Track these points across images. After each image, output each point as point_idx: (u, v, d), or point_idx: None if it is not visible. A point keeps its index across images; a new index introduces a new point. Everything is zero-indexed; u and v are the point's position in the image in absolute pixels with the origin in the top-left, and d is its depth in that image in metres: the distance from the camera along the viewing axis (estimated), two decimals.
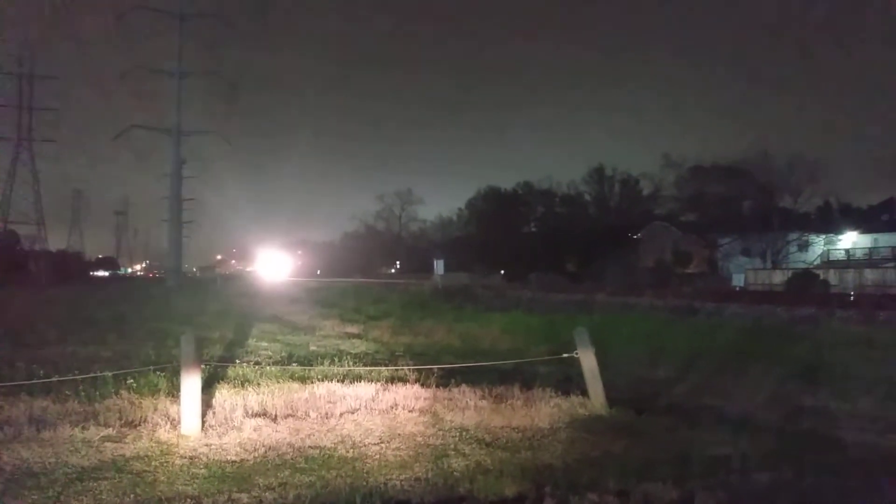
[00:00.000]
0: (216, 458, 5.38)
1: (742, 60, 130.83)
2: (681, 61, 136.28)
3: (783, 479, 5.05)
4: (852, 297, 23.87)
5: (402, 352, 11.85)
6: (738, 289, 39.54)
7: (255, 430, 6.18)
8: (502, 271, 64.30)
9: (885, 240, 50.66)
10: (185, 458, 5.38)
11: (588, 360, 7.38)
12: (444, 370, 8.56)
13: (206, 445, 5.70)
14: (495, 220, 76.31)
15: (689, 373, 9.60)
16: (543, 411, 7.01)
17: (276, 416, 6.65)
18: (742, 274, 43.85)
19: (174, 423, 6.14)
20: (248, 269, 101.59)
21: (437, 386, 8.02)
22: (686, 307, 19.85)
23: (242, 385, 7.93)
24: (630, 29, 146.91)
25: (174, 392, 6.87)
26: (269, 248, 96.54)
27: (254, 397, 7.17)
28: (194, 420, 6.08)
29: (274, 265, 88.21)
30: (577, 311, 20.31)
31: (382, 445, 5.83)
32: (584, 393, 7.46)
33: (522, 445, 5.93)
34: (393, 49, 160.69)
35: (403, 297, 30.24)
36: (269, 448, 5.68)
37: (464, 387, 7.86)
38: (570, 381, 8.11)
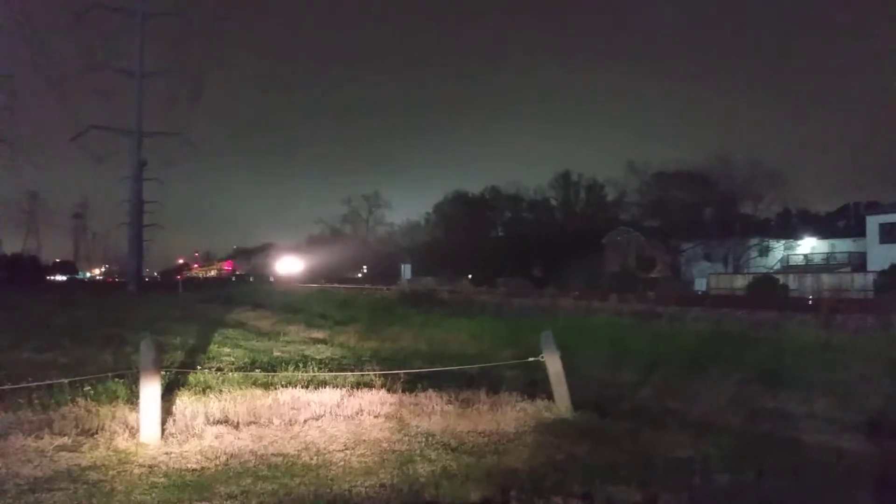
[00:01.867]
0: (176, 467, 5.26)
1: (706, 69, 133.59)
2: (645, 70, 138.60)
3: (744, 480, 5.13)
4: (810, 302, 24.47)
5: (369, 357, 11.76)
6: (700, 293, 40.23)
7: (216, 437, 6.06)
8: (469, 276, 64.45)
9: (842, 245, 52.17)
10: (144, 466, 5.24)
11: (553, 364, 7.41)
12: (411, 375, 8.53)
13: (166, 454, 5.57)
14: (463, 225, 76.53)
15: (652, 376, 9.72)
16: (509, 415, 7.02)
17: (238, 423, 6.53)
18: (704, 278, 44.65)
19: (133, 432, 5.99)
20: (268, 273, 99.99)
21: (404, 391, 7.98)
22: (649, 311, 20.13)
23: (204, 392, 7.77)
24: (596, 38, 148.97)
25: (133, 399, 6.70)
26: (282, 251, 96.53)
27: (215, 404, 7.03)
28: (153, 428, 5.94)
29: (287, 267, 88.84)
30: (543, 315, 20.44)
31: (347, 452, 5.77)
32: (550, 397, 7.49)
33: (488, 450, 5.92)
34: (362, 52, 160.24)
35: (370, 301, 30.08)
36: (231, 456, 5.57)
37: (430, 392, 7.83)
38: (535, 385, 8.13)
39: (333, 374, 9.15)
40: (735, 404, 7.89)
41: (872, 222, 42.38)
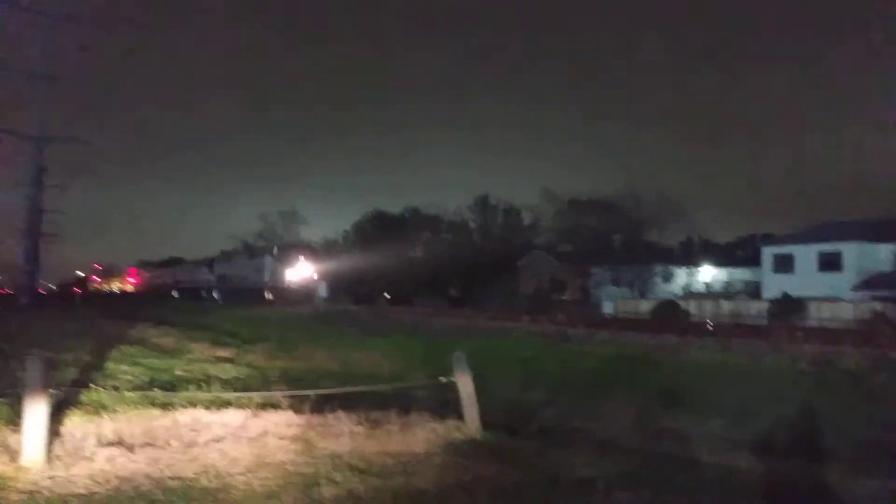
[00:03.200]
0: (61, 492, 4.90)
1: (618, 101, 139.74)
2: (561, 100, 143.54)
3: (642, 499, 5.29)
4: (710, 327, 25.73)
5: (277, 377, 11.45)
6: (608, 316, 41.60)
7: (108, 460, 5.70)
8: (387, 295, 64.11)
9: (740, 274, 55.39)
10: (24, 492, 4.86)
11: (465, 385, 7.44)
12: (321, 396, 8.34)
13: (50, 478, 5.18)
14: (381, 244, 76.17)
15: (560, 396, 9.96)
16: (419, 436, 6.98)
17: (133, 445, 6.17)
18: (612, 302, 46.23)
19: (14, 455, 5.55)
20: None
21: (313, 412, 7.77)
22: (560, 333, 20.63)
23: (97, 412, 7.32)
24: (514, 69, 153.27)
25: (16, 420, 6.21)
26: (299, 256, 68.14)
27: (109, 425, 6.63)
28: (38, 450, 5.52)
29: (301, 273, 65.26)
30: (458, 335, 20.55)
31: (249, 475, 5.55)
32: (461, 417, 7.51)
33: (396, 471, 5.85)
34: (281, 67, 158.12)
35: (282, 319, 29.38)
36: (124, 480, 5.25)
37: (340, 413, 7.68)
38: (447, 406, 8.13)
39: (238, 394, 8.84)
40: (637, 424, 8.17)
41: (767, 253, 45.19)
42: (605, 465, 6.22)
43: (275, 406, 8.09)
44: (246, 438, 6.64)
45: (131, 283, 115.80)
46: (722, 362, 13.46)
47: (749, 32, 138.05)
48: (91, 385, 8.97)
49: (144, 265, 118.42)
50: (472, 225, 79.34)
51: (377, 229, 79.64)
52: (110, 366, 11.87)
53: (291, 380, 11.03)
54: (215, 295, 72.58)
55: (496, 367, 12.30)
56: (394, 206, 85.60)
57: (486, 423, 7.43)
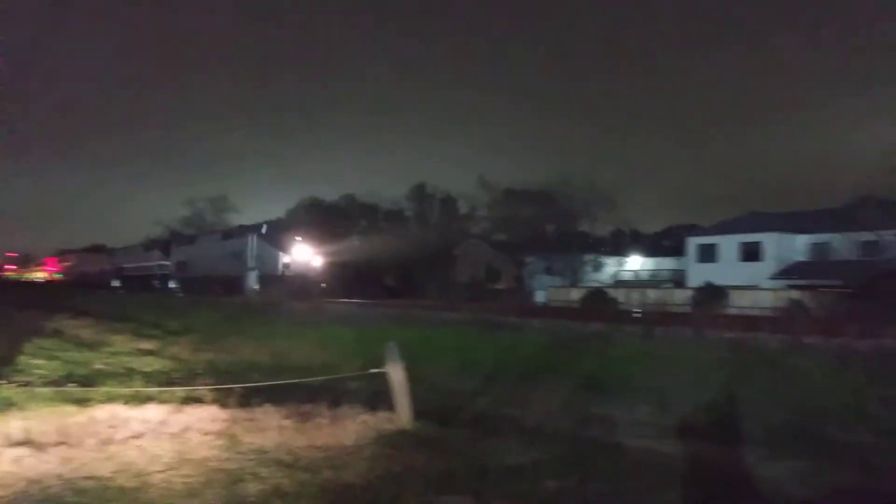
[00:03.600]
0: None
1: (554, 91, 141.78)
2: (497, 88, 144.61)
3: (569, 485, 5.37)
4: (637, 314, 26.50)
5: (203, 370, 11.09)
6: (541, 304, 42.32)
7: (14, 461, 5.38)
8: (322, 284, 63.36)
9: (666, 263, 57.24)
10: None
11: (397, 375, 7.38)
12: (248, 389, 8.12)
13: None
14: (316, 232, 75.01)
15: (493, 384, 10.02)
16: (349, 428, 6.89)
17: (44, 444, 5.85)
18: (545, 291, 47.03)
19: None
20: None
21: (239, 406, 7.58)
22: (494, 321, 20.83)
23: (4, 410, 6.91)
24: (450, 57, 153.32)
25: None
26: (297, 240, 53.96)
27: (17, 424, 6.26)
28: None
29: (299, 258, 52.07)
30: (394, 325, 20.47)
31: (170, 472, 5.35)
32: (393, 408, 7.46)
33: (325, 465, 5.75)
34: (209, 47, 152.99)
35: (211, 309, 28.55)
36: (31, 482, 4.96)
37: (268, 406, 7.51)
38: (379, 397, 8.06)
39: (160, 388, 8.51)
40: (566, 410, 8.31)
41: (692, 243, 46.91)
42: (534, 453, 6.30)
43: (199, 400, 7.84)
44: (167, 434, 6.41)
45: (48, 272, 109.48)
46: (648, 349, 13.86)
47: (683, 26, 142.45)
48: (1, 381, 8.47)
49: (65, 252, 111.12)
50: (408, 214, 79.10)
51: (312, 217, 78.14)
52: (22, 360, 11.25)
53: (218, 373, 10.71)
54: (172, 284, 60.43)
55: (430, 356, 12.29)
56: (330, 194, 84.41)
57: (418, 413, 7.40)
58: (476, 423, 7.50)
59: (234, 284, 49.40)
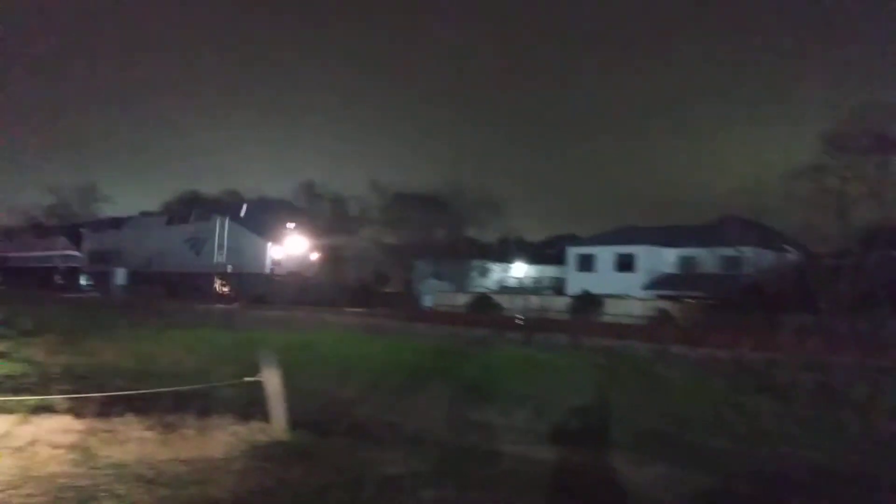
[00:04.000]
0: None
1: (448, 97, 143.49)
2: (390, 91, 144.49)
3: (446, 495, 5.35)
4: (520, 321, 27.23)
5: (59, 375, 10.18)
6: (428, 309, 42.61)
7: None
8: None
9: (549, 271, 59.47)
10: None
11: (272, 382, 7.10)
12: (108, 398, 7.51)
13: None
14: None
15: (375, 392, 9.89)
16: (219, 440, 6.54)
17: None
18: (432, 295, 47.41)
19: None
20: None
21: (97, 416, 6.99)
22: (379, 326, 20.67)
23: None
24: (344, 61, 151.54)
25: None
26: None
27: None
28: None
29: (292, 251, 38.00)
30: (273, 328, 19.82)
31: (10, 492, 4.83)
32: (268, 418, 7.16)
33: (189, 480, 5.41)
34: (70, 30, 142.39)
35: (73, 308, 26.47)
36: None
37: (129, 416, 6.99)
38: (254, 406, 7.72)
39: (6, 397, 7.71)
40: (447, 418, 8.33)
41: (571, 253, 49.11)
42: (413, 462, 6.24)
43: (51, 410, 7.16)
44: (10, 449, 5.80)
45: None
46: (528, 355, 14.19)
47: (575, 40, 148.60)
48: None
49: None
50: None
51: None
52: None
53: (76, 378, 9.87)
54: (84, 282, 46.93)
55: (311, 362, 11.98)
56: (211, 189, 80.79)
57: (294, 422, 7.15)
58: (356, 432, 7.35)
59: (195, 286, 35.36)
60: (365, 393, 9.80)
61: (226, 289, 34.60)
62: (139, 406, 7.35)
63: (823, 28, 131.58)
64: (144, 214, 54.10)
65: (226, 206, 39.92)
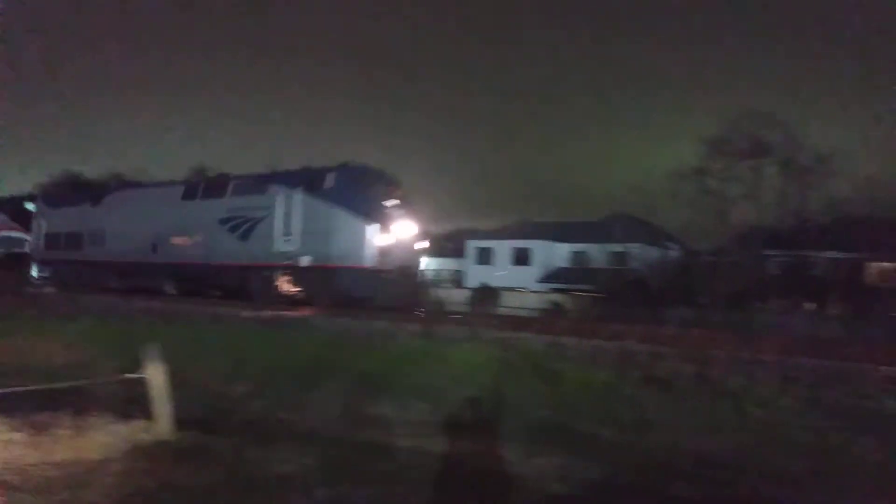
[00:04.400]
0: None
1: (350, 84, 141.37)
2: (286, 72, 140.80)
3: (340, 492, 5.26)
4: (420, 312, 27.27)
5: None
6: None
7: None
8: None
9: (450, 264, 60.20)
10: None
11: (157, 378, 6.72)
12: None
13: None
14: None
15: (269, 387, 9.58)
16: (96, 441, 6.13)
17: None
18: None
19: None
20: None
21: None
22: (276, 319, 20.06)
23: None
24: (235, 41, 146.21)
25: None
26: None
27: None
28: None
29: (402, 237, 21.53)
30: (160, 319, 18.79)
31: None
32: (152, 416, 6.77)
33: (62, 485, 5.03)
34: None
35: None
36: None
37: None
38: (137, 403, 7.29)
39: None
40: (343, 413, 8.20)
41: (471, 246, 49.97)
42: (307, 459, 6.10)
43: None
44: None
45: None
46: (427, 347, 14.22)
47: (472, 41, 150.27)
48: None
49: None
50: None
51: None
52: None
53: None
54: (37, 273, 33.90)
55: (200, 356, 11.44)
56: (92, 170, 75.62)
57: (181, 421, 6.81)
58: (247, 429, 7.10)
59: (236, 283, 23.67)
60: (257, 388, 9.49)
61: (294, 288, 22.60)
62: (6, 405, 6.75)
63: (714, 33, 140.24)
64: (135, 184, 37.81)
65: (291, 174, 24.38)
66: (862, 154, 47.77)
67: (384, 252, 20.62)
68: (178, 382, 6.90)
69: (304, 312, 18.55)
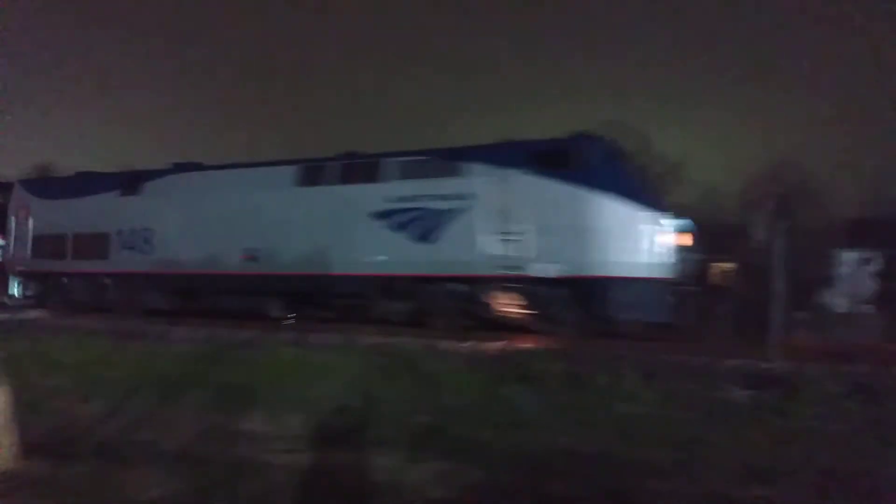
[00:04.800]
0: None
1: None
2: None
3: None
4: (290, 320, 26.47)
5: None
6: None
7: None
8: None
9: None
10: None
11: None
12: None
13: None
14: None
15: (127, 405, 8.92)
16: None
17: None
18: None
19: None
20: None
21: None
22: (133, 330, 18.71)
23: None
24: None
25: None
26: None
27: None
28: None
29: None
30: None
31: None
32: None
33: None
34: None
35: None
36: None
37: None
38: None
39: None
40: (212, 430, 7.78)
41: None
42: (173, 483, 5.72)
43: None
44: None
45: None
46: (300, 356, 13.85)
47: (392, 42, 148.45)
48: None
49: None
50: None
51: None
52: None
53: None
54: (16, 290, 25.20)
55: (47, 373, 10.48)
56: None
57: (28, 447, 6.17)
58: (104, 453, 6.54)
59: (411, 301, 18.24)
60: (115, 407, 8.80)
61: (514, 309, 16.25)
62: None
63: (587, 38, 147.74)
64: (200, 166, 23.04)
65: (500, 148, 17.23)
66: (708, 162, 52.24)
67: (673, 254, 14.96)
68: (20, 404, 6.24)
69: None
